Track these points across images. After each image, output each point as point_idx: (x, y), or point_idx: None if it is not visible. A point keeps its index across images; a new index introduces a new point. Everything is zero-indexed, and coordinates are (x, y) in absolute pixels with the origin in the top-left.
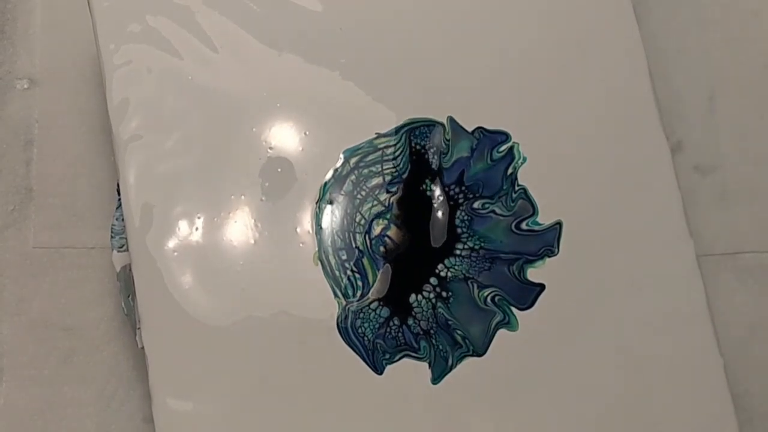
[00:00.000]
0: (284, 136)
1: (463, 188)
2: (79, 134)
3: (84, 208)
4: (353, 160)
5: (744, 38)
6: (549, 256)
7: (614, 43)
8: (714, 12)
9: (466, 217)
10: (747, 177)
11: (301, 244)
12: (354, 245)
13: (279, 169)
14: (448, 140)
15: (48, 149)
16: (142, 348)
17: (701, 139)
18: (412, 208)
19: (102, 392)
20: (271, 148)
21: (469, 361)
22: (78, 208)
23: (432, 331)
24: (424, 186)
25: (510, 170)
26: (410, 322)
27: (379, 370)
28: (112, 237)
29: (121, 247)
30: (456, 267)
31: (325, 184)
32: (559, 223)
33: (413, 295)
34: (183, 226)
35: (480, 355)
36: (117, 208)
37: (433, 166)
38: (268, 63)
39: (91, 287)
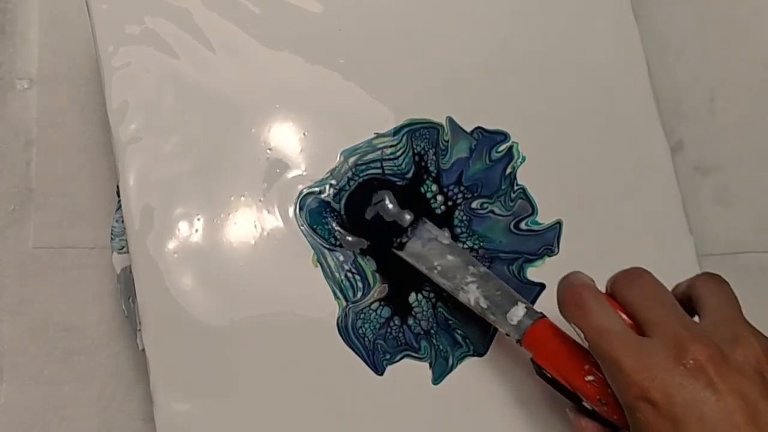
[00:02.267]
0: (283, 137)
1: (462, 188)
2: (79, 134)
3: (84, 208)
4: (352, 160)
5: (744, 38)
6: (549, 256)
7: (613, 42)
8: (714, 12)
9: (464, 217)
10: (747, 177)
11: (300, 246)
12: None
13: (278, 170)
14: (447, 141)
15: (48, 149)
16: (143, 350)
17: (701, 139)
18: (412, 208)
19: (102, 392)
20: (270, 149)
21: (470, 362)
22: (78, 208)
23: (432, 331)
24: (424, 187)
25: (509, 170)
26: (410, 321)
27: (379, 370)
28: (112, 239)
29: (121, 249)
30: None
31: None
32: (559, 223)
33: (413, 294)
34: (183, 227)
35: (481, 355)
36: (117, 209)
37: (432, 168)
38: (267, 64)
39: (91, 287)
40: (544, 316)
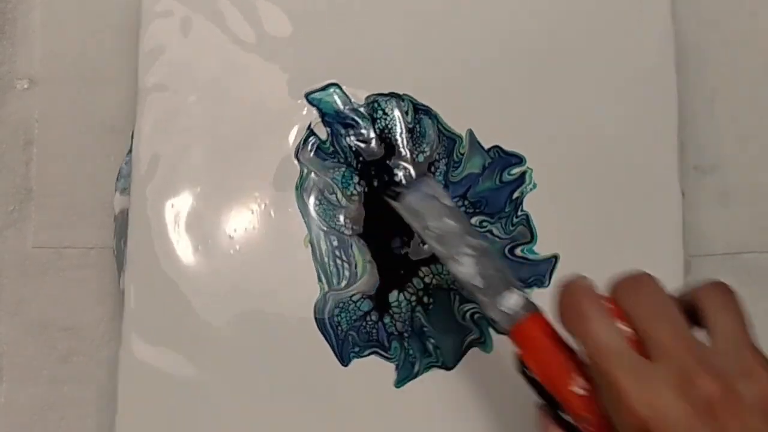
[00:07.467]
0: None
1: (466, 203)
2: (79, 134)
3: (84, 208)
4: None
5: (744, 39)
6: (538, 287)
7: (648, 81)
8: (714, 13)
9: None
10: (747, 177)
11: (295, 224)
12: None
13: (284, 150)
14: (462, 154)
15: (48, 149)
16: (123, 290)
17: (701, 139)
18: None
19: (102, 392)
20: (283, 132)
21: (436, 372)
22: (78, 208)
23: (406, 334)
24: None
25: (516, 194)
26: (387, 320)
27: (345, 361)
28: (118, 179)
29: (124, 190)
30: (441, 275)
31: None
32: (555, 257)
33: (395, 293)
34: (185, 183)
35: (448, 369)
36: (128, 152)
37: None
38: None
39: (91, 287)
40: (538, 310)
